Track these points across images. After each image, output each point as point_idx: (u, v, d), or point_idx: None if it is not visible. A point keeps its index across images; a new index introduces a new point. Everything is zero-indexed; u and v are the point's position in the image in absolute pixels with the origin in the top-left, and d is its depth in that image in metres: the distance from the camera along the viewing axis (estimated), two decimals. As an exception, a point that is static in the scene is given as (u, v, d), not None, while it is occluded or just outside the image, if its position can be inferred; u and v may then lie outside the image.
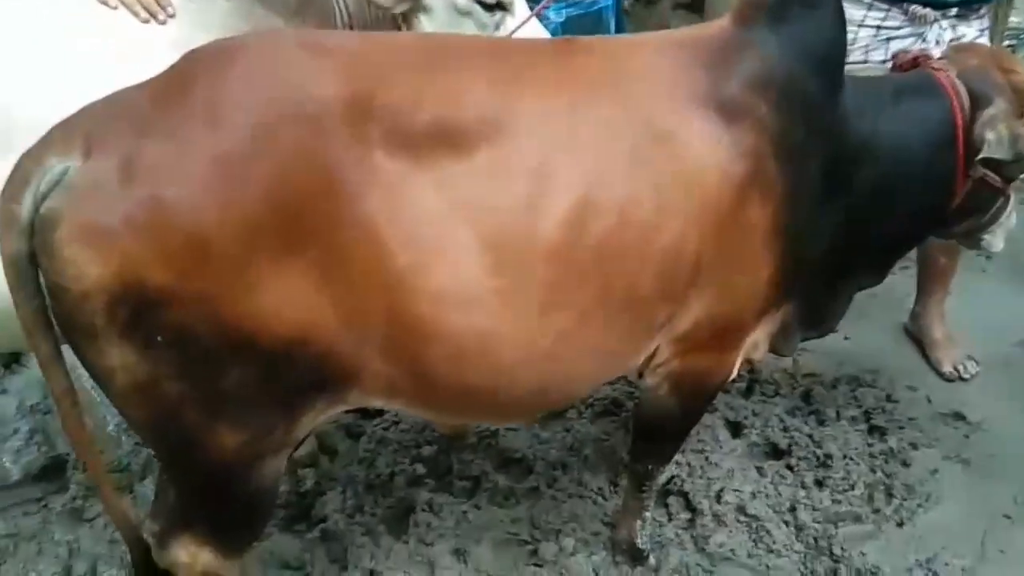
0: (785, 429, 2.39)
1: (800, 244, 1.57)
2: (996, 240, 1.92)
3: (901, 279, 2.81)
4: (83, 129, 1.14)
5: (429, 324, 1.24)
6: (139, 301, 1.11)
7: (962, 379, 2.61)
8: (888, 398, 2.52)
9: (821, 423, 2.43)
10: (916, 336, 2.78)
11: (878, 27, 2.26)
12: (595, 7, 3.01)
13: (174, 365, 1.16)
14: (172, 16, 1.62)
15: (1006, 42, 5.72)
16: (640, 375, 1.65)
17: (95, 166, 1.11)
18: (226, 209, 1.12)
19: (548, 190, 1.27)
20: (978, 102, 1.66)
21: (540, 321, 1.30)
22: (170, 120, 1.14)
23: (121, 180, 1.10)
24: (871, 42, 2.28)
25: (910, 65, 1.76)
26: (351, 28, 1.84)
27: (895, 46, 2.25)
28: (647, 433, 1.77)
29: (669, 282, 1.42)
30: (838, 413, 2.46)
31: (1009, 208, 1.88)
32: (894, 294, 2.87)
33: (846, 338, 2.84)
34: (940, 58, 1.75)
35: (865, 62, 2.29)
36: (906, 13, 2.22)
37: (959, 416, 2.47)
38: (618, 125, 1.35)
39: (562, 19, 2.99)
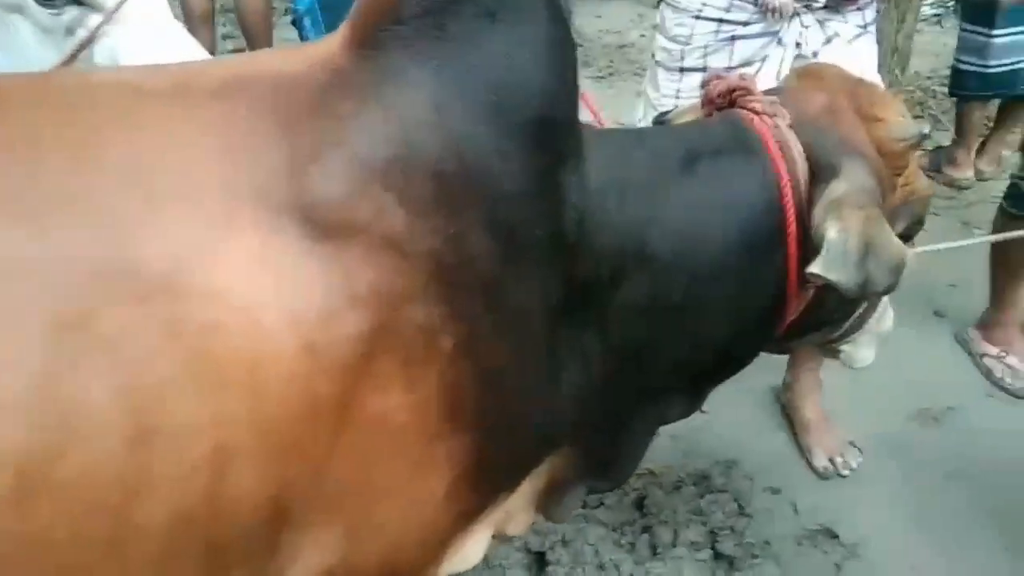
0: (601, 566, 1.79)
1: (509, 415, 0.92)
2: (860, 352, 1.32)
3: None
4: None
5: None
6: None
7: (840, 475, 2.04)
8: (740, 510, 1.93)
9: (653, 550, 1.84)
10: (787, 411, 2.19)
11: (720, 20, 1.60)
12: None
13: None
14: None
15: (929, 10, 5.16)
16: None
17: None
18: None
19: None
20: (820, 170, 1.02)
21: None
22: None
23: None
24: (711, 41, 1.61)
25: (724, 101, 1.11)
26: None
27: (742, 49, 1.60)
28: None
29: (203, 557, 0.75)
30: (675, 534, 1.86)
31: (879, 310, 1.27)
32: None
33: (702, 411, 2.25)
34: (768, 92, 1.10)
35: (704, 68, 1.63)
36: (756, 3, 1.55)
37: (830, 534, 1.90)
38: (18, 274, 0.64)
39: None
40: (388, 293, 0.77)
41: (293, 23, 2.13)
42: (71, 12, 1.14)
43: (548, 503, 1.27)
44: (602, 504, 1.94)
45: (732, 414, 2.22)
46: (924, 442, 2.17)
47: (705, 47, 1.61)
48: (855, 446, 2.08)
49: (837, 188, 1.00)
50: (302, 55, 0.83)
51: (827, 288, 1.06)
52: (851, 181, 1.00)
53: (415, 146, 0.79)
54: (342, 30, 0.85)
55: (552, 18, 0.85)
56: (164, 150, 0.73)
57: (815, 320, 1.17)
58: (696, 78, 1.65)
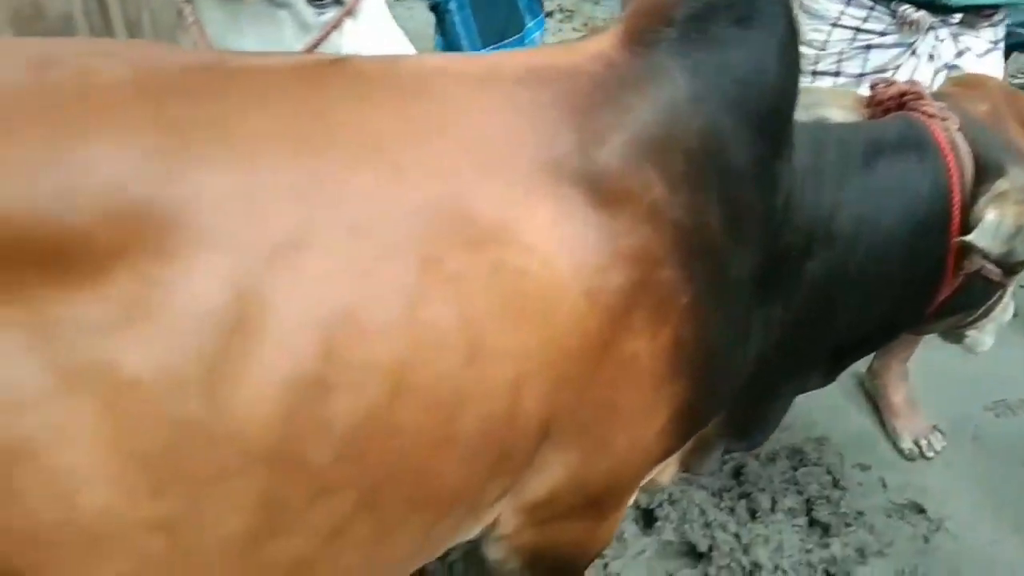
0: (707, 524, 1.94)
1: (714, 372, 1.08)
2: (984, 338, 1.46)
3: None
4: None
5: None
6: None
7: (924, 457, 2.18)
8: (835, 483, 2.08)
9: (752, 515, 1.99)
10: (873, 397, 2.33)
11: (857, 29, 1.73)
12: None
13: None
14: None
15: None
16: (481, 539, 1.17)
17: None
18: None
19: (247, 347, 0.72)
20: (985, 170, 1.17)
21: (246, 557, 0.79)
22: None
23: None
24: (846, 48, 1.75)
25: (894, 103, 1.25)
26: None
27: (876, 57, 1.73)
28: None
29: (495, 460, 0.92)
30: (773, 502, 2.01)
31: (1006, 300, 1.41)
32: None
33: (792, 391, 2.40)
34: (937, 95, 1.24)
35: (837, 73, 1.77)
36: (894, 15, 1.69)
37: (918, 509, 2.05)
38: (396, 218, 0.81)
39: None
40: (647, 254, 0.93)
41: (432, 8, 2.26)
42: (332, 11, 1.26)
43: (693, 459, 1.43)
44: (704, 470, 2.10)
45: (822, 397, 2.33)
46: (1001, 431, 2.31)
47: (840, 53, 1.74)
48: (939, 431, 2.22)
49: (1001, 185, 1.14)
50: (581, 50, 0.99)
51: (975, 276, 1.22)
52: (1013, 181, 1.15)
53: (675, 132, 0.95)
54: (615, 30, 1.00)
55: (789, 26, 1.01)
56: (489, 127, 0.90)
57: (958, 304, 1.31)
58: (828, 81, 1.79)
